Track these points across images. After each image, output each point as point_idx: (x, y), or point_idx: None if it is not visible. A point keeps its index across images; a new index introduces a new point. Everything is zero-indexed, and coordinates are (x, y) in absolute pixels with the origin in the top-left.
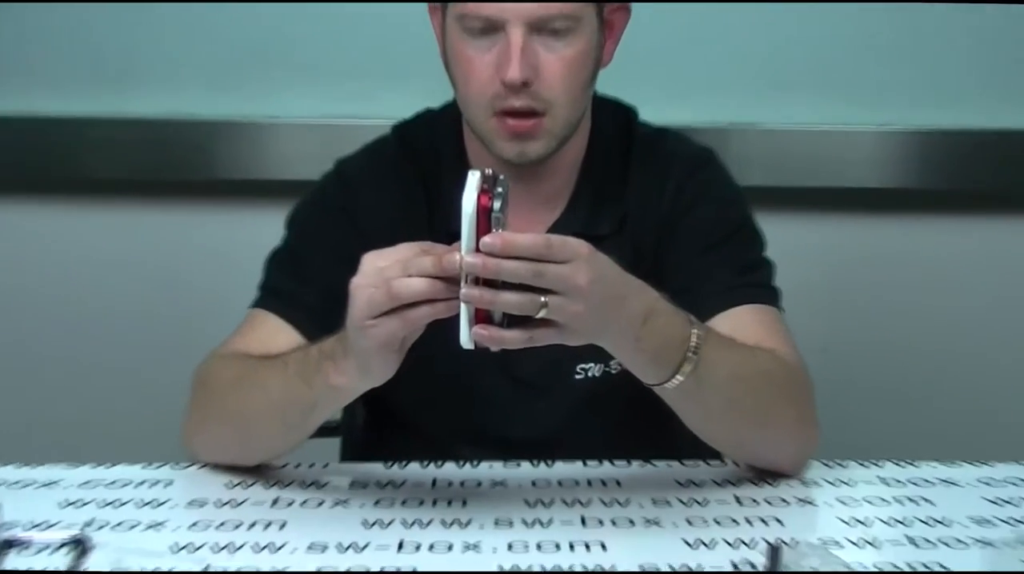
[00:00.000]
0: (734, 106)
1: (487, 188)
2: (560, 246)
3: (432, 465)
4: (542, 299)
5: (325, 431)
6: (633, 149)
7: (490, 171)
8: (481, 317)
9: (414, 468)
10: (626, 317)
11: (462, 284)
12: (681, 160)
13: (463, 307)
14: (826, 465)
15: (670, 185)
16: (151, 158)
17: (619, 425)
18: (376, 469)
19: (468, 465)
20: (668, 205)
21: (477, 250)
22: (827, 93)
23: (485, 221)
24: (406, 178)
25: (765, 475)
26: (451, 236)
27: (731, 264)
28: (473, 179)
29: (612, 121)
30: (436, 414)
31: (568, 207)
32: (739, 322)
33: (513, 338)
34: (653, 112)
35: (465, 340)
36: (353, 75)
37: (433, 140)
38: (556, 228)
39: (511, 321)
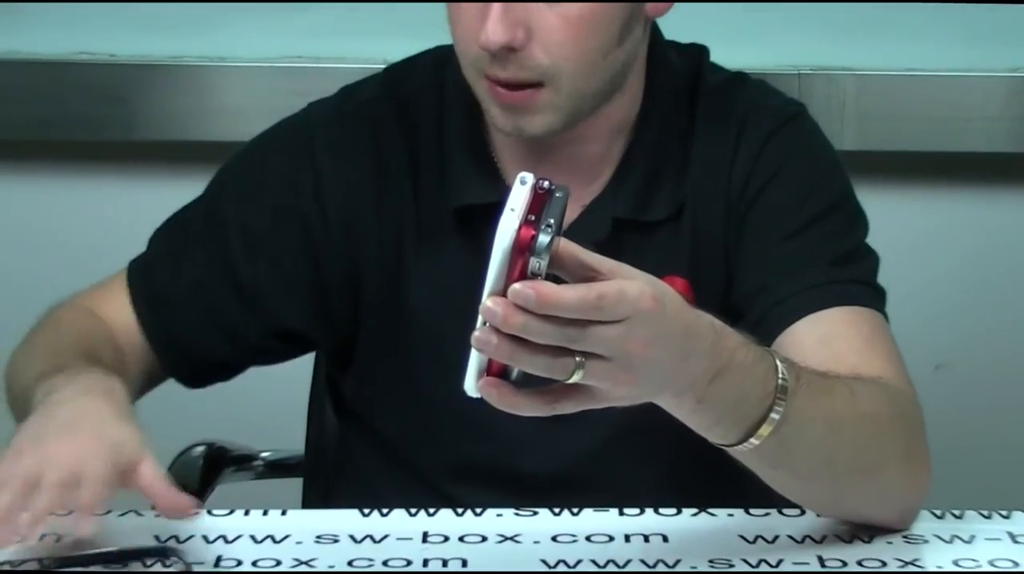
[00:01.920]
0: (818, 45)
1: (534, 214)
2: (615, 304)
3: (423, 513)
4: (577, 360)
5: (283, 470)
6: (698, 102)
7: (547, 183)
8: (495, 366)
9: (399, 517)
10: (687, 378)
11: (478, 323)
12: (759, 117)
13: (474, 351)
14: (936, 516)
15: (744, 150)
16: (50, 111)
17: (666, 460)
18: (350, 518)
19: (469, 513)
20: (741, 176)
21: (505, 293)
22: (941, 27)
23: (522, 260)
24: (382, 133)
25: (859, 529)
26: (453, 215)
27: (822, 254)
28: (520, 193)
29: (678, 68)
30: (424, 442)
31: (612, 182)
32: (831, 330)
33: (530, 406)
34: (714, 54)
35: (470, 387)
36: (326, 1)
37: (435, 83)
38: (593, 210)
39: (532, 376)
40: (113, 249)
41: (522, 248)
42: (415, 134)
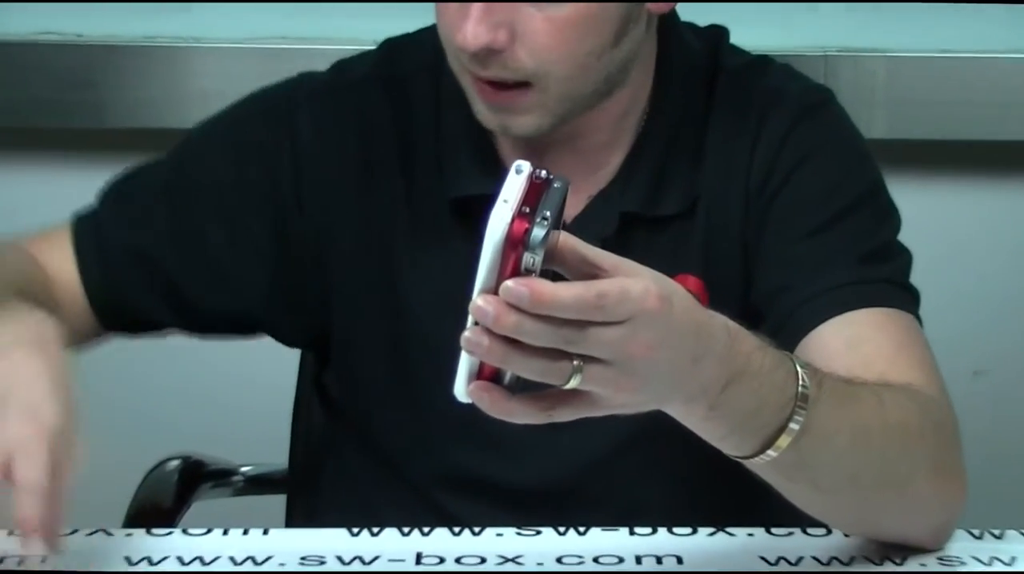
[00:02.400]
0: (845, 25)
1: (529, 206)
2: (617, 303)
3: (416, 532)
4: (575, 363)
5: (265, 485)
6: (716, 87)
7: (544, 172)
8: (488, 369)
9: (391, 536)
10: (697, 383)
11: (468, 322)
12: (782, 103)
13: (464, 353)
14: (975, 536)
15: (765, 139)
16: (12, 97)
17: (676, 471)
18: (338, 537)
19: (467, 532)
20: (762, 168)
21: (497, 290)
22: (978, 6)
23: (515, 255)
24: (372, 115)
25: (890, 550)
26: (450, 206)
27: (850, 251)
28: (514, 183)
29: (694, 51)
30: (418, 448)
31: (621, 173)
32: (859, 333)
33: (524, 413)
34: (734, 35)
35: (460, 391)
36: None
37: (433, 65)
38: (599, 203)
39: (528, 380)
40: None
41: (515, 242)
42: (410, 119)
